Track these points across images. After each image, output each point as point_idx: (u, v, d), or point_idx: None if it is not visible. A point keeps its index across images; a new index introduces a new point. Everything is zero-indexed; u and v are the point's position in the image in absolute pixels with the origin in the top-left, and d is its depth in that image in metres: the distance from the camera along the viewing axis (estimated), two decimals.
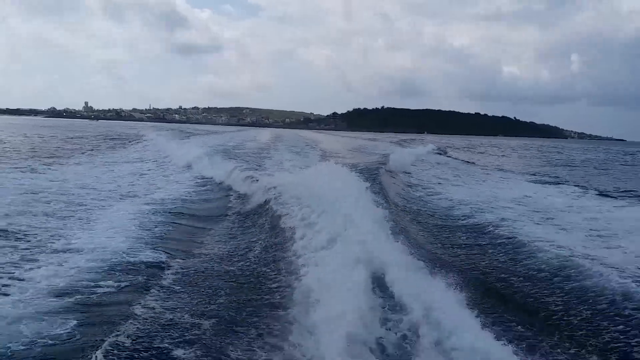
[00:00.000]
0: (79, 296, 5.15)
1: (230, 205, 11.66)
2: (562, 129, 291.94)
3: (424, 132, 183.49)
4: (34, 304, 4.82)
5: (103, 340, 3.98)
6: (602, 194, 15.84)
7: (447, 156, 35.37)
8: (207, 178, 15.96)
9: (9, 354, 3.88)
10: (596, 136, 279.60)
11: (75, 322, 4.49)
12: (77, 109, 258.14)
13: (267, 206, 10.28)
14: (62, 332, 4.29)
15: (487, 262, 7.52)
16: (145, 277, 5.86)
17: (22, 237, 7.20)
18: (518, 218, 10.78)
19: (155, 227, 8.48)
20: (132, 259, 6.50)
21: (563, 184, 18.99)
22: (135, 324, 4.39)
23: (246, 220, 9.97)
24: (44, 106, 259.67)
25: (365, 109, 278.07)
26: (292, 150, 31.86)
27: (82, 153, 23.42)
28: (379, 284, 5.41)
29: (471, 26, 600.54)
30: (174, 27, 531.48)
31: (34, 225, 7.86)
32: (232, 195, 12.89)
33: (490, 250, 8.15)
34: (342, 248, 6.28)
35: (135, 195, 12.01)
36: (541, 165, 31.64)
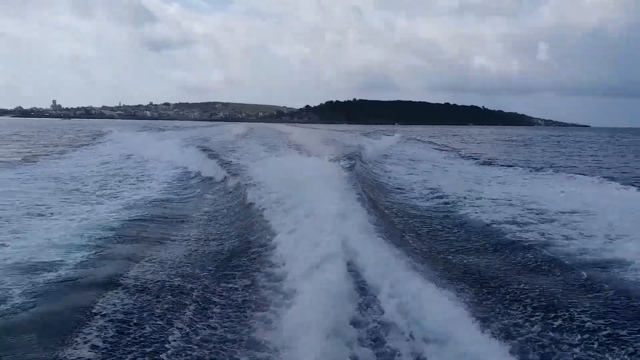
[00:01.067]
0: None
1: (203, 195, 12.08)
2: (530, 117, 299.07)
3: (394, 124, 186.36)
4: None
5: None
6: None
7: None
8: (181, 169, 16.85)
9: None
10: (562, 123, 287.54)
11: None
12: (45, 108, 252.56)
13: (241, 194, 10.69)
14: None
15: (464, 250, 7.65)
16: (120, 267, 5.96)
17: None
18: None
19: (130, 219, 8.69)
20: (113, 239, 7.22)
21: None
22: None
23: (219, 210, 10.13)
24: (9, 105, 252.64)
25: (337, 101, 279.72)
26: (264, 143, 33.07)
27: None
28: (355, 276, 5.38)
29: (439, 19, 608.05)
30: (142, 22, 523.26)
31: None
32: (205, 186, 13.35)
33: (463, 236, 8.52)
34: (315, 237, 6.23)
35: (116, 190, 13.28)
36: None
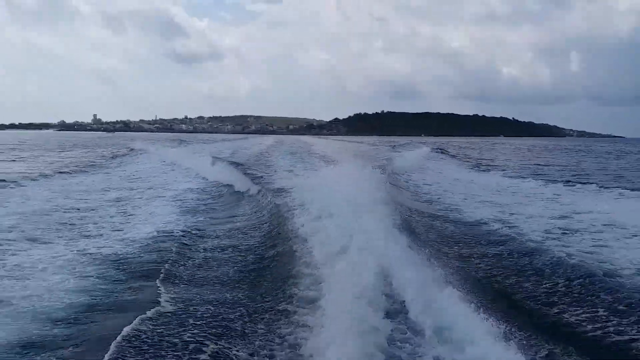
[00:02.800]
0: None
1: (240, 207, 12.63)
2: (562, 128, 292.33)
3: (421, 135, 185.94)
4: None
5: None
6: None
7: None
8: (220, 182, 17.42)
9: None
10: (596, 134, 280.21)
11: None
12: (86, 122, 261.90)
13: (278, 207, 10.91)
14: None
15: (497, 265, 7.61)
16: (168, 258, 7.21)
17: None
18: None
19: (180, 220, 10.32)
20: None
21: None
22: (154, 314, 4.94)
23: (256, 221, 10.56)
24: (53, 119, 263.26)
25: (365, 113, 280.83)
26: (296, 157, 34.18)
27: None
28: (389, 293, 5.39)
29: (467, 28, 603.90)
30: (173, 36, 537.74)
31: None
32: (243, 197, 13.95)
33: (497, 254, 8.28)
34: (352, 253, 6.22)
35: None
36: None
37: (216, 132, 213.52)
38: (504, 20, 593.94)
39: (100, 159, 30.49)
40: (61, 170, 21.13)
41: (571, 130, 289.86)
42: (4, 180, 15.75)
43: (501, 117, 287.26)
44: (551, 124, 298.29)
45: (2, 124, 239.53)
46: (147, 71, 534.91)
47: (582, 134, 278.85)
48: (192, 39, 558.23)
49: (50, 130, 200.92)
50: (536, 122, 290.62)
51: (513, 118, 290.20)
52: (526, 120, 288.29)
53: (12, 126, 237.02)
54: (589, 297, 5.93)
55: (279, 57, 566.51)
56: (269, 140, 75.68)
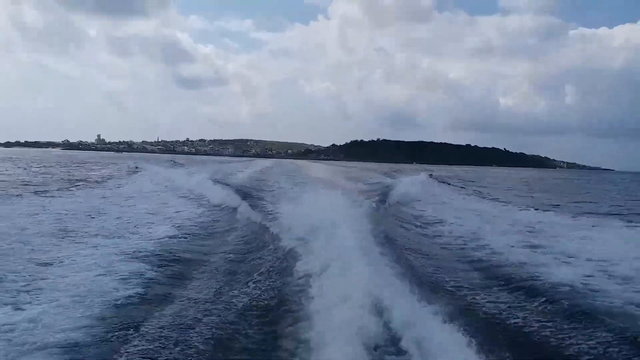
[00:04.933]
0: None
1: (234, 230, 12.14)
2: (553, 159, 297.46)
3: (413, 162, 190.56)
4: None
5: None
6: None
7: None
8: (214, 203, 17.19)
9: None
10: (586, 166, 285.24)
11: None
12: (90, 141, 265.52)
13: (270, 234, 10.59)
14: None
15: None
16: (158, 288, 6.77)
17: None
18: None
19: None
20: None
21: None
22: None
23: (248, 246, 10.09)
24: (57, 138, 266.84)
25: (362, 140, 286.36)
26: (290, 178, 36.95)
27: None
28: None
29: (464, 60, 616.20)
30: (178, 61, 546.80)
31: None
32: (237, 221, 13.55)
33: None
34: (340, 278, 5.95)
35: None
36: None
37: (217, 155, 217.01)
38: (501, 52, 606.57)
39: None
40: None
41: (562, 162, 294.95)
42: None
43: (493, 147, 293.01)
44: (542, 155, 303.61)
45: (8, 142, 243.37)
46: (151, 94, 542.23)
47: (572, 166, 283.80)
48: (196, 65, 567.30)
49: (57, 149, 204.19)
50: (527, 153, 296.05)
51: (504, 149, 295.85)
52: (518, 152, 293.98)
53: (18, 144, 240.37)
54: None
55: (281, 84, 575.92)
56: (267, 162, 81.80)
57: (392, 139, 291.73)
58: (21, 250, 8.56)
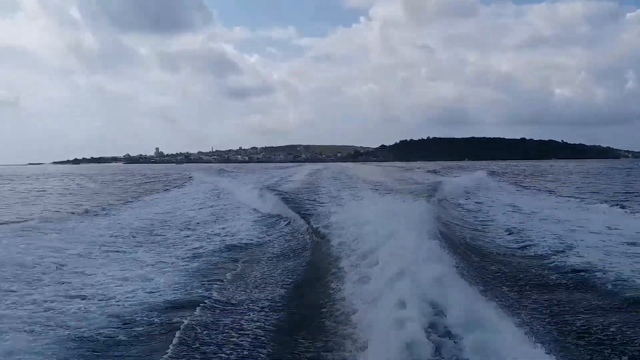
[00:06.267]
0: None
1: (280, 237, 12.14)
2: (616, 149, 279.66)
3: (465, 159, 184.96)
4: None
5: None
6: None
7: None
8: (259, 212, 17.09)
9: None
10: None
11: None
12: (149, 155, 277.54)
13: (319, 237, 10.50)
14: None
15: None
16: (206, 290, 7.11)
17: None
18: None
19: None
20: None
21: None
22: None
23: (295, 250, 10.23)
24: (119, 153, 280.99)
25: (411, 140, 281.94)
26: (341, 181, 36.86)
27: None
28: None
29: (514, 53, 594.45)
30: (226, 73, 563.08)
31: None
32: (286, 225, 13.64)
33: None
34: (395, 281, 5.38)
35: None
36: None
37: (269, 162, 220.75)
38: (553, 42, 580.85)
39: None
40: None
41: (627, 151, 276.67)
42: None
43: (550, 139, 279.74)
44: (604, 145, 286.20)
45: (75, 159, 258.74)
46: (202, 106, 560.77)
47: (638, 155, 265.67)
48: (243, 75, 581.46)
49: (120, 163, 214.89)
50: (587, 143, 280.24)
51: (562, 140, 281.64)
52: (576, 143, 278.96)
53: (85, 160, 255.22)
54: None
55: (326, 88, 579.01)
56: (318, 166, 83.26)
57: (442, 137, 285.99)
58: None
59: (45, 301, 6.61)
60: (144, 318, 6.00)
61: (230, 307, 6.41)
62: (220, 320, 5.87)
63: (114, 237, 12.18)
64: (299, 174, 47.91)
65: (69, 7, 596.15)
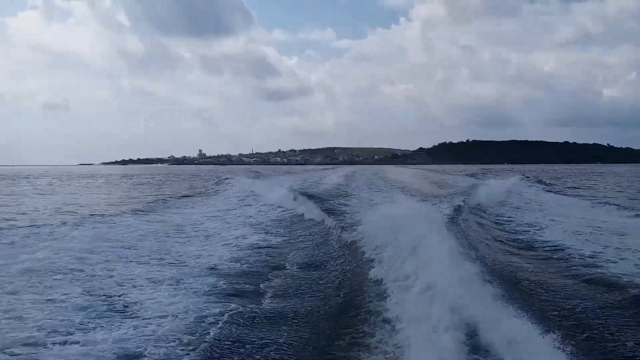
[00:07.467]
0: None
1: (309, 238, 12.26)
2: None
3: (504, 163, 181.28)
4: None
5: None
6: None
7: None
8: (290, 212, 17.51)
9: None
10: None
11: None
12: (193, 156, 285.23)
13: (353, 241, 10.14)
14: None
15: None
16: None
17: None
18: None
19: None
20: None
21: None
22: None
23: (329, 256, 9.98)
24: (164, 155, 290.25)
25: (450, 142, 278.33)
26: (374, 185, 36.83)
27: None
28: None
29: (559, 52, 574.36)
30: (265, 75, 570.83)
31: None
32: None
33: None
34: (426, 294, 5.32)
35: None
36: None
37: (307, 164, 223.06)
38: (601, 40, 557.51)
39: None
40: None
41: None
42: None
43: (594, 143, 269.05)
44: None
45: (123, 160, 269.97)
46: (242, 108, 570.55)
47: None
48: (282, 77, 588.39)
49: (165, 165, 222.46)
50: (635, 147, 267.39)
51: (608, 144, 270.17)
52: (623, 147, 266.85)
53: (132, 161, 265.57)
54: None
55: (364, 90, 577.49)
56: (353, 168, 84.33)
57: (482, 140, 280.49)
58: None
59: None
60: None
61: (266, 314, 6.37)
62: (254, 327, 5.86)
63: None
64: (335, 175, 50.54)
65: (116, 12, 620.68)
